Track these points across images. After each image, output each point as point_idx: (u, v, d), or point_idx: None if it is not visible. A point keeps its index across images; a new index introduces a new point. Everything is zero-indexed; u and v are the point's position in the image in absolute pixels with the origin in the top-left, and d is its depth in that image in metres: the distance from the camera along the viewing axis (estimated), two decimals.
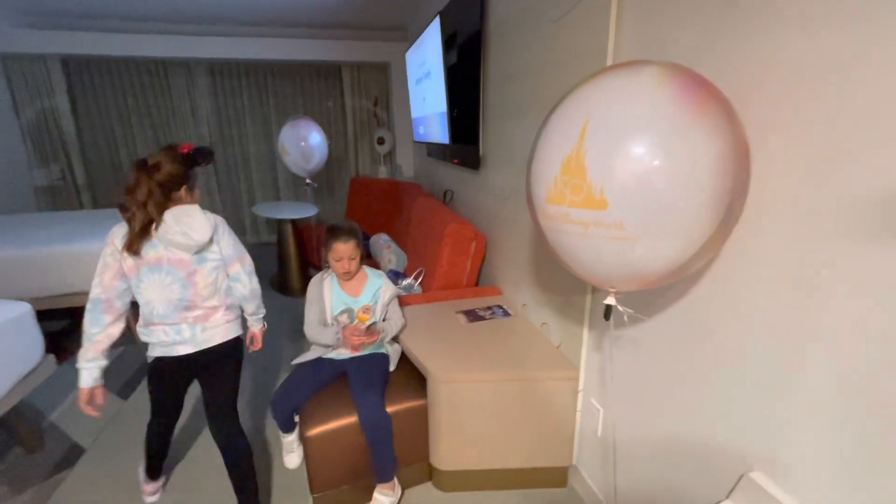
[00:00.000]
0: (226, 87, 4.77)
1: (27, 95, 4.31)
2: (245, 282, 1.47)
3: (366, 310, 1.71)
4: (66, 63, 4.33)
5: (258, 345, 1.68)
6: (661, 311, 1.13)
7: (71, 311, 3.17)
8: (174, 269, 1.34)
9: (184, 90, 4.67)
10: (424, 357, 1.63)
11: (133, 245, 1.28)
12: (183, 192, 1.37)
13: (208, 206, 4.98)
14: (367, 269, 1.77)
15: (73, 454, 1.91)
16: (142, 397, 2.29)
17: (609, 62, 1.24)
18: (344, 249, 1.65)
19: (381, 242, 3.14)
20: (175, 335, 1.38)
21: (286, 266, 3.77)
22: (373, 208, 4.23)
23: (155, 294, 1.34)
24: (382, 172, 4.95)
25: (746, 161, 0.74)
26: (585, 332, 1.48)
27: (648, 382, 1.22)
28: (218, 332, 1.43)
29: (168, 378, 1.47)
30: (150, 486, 1.66)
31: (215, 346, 1.43)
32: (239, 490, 1.46)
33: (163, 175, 1.30)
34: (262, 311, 1.62)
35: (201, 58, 4.38)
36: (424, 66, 2.72)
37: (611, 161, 0.72)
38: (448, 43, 2.31)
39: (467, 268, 2.27)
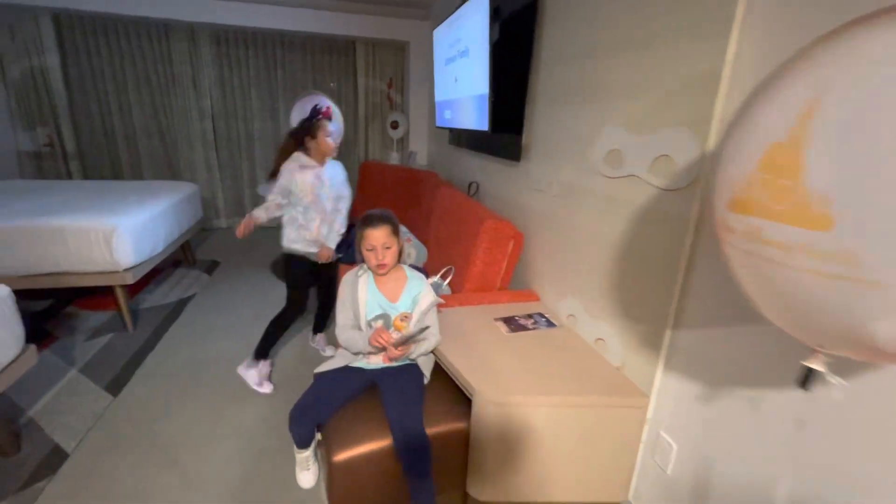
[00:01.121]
0: (231, 56, 4.45)
1: (13, 51, 3.96)
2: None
3: (404, 318, 1.50)
4: (57, 19, 3.98)
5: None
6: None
7: (55, 291, 2.92)
8: None
9: (186, 57, 4.35)
10: (468, 373, 1.42)
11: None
12: (307, 140, 2.07)
13: (207, 181, 4.69)
14: (406, 270, 1.55)
15: (54, 459, 1.68)
16: (133, 394, 2.05)
17: (734, 35, 1.03)
18: (377, 236, 1.44)
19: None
20: None
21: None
22: (385, 196, 3.98)
23: None
24: (394, 158, 4.69)
25: None
26: (662, 356, 1.29)
27: (772, 427, 1.03)
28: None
29: None
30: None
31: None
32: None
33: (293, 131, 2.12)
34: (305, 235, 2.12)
35: (206, 23, 4.06)
36: (460, 44, 2.47)
37: (854, 156, 0.47)
38: (493, 17, 2.06)
39: (503, 269, 2.06)
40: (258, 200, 4.97)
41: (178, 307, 2.95)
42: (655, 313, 1.30)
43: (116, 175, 4.49)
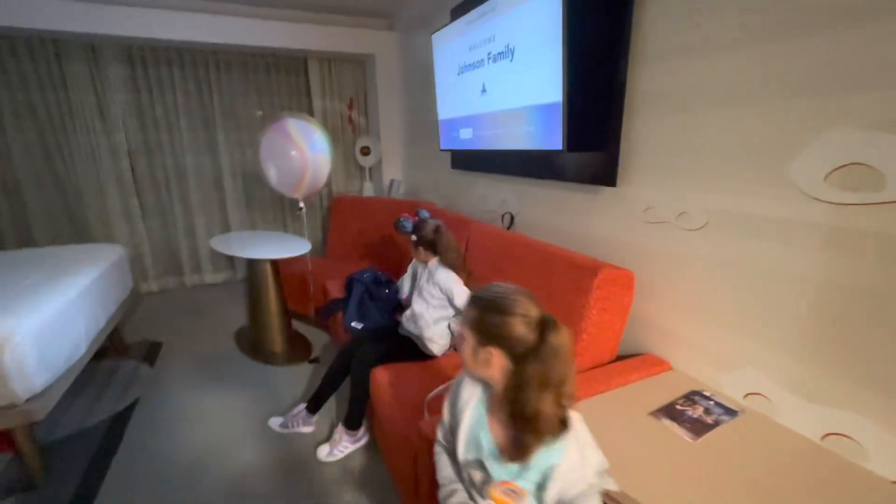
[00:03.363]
0: (150, 79, 3.55)
1: None
2: None
3: (508, 492, 0.83)
4: None
5: None
6: None
7: None
8: None
9: (86, 83, 3.38)
10: None
11: None
12: None
13: (127, 233, 3.67)
14: None
15: None
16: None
17: None
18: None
19: None
20: None
21: (263, 321, 2.73)
22: (371, 237, 3.31)
23: None
24: (368, 189, 4.03)
25: None
26: None
27: None
28: None
29: None
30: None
31: None
32: None
33: None
34: None
35: (113, 36, 3.16)
36: (493, 44, 1.96)
37: None
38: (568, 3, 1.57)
39: (618, 332, 1.53)
40: (199, 255, 4.02)
41: (115, 429, 2.04)
42: None
43: None
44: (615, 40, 1.52)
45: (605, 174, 1.64)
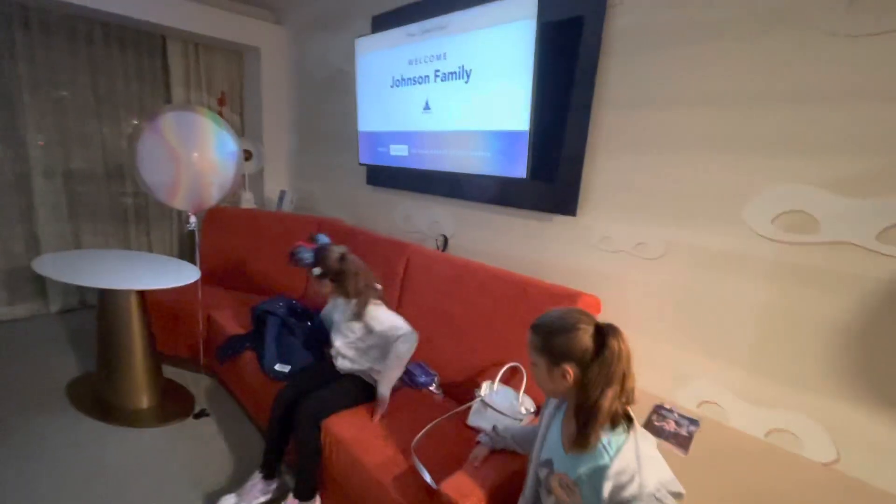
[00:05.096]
0: None
1: None
2: None
3: (564, 485, 0.92)
4: None
5: None
6: None
7: None
8: None
9: None
10: None
11: None
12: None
13: None
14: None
15: None
16: None
17: None
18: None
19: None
20: None
21: (121, 369, 2.08)
22: (263, 259, 2.84)
23: None
24: (247, 201, 3.46)
25: None
26: None
27: None
28: None
29: None
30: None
31: None
32: None
33: None
34: None
35: None
36: (445, 62, 1.88)
37: None
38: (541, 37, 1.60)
39: None
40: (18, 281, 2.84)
41: None
42: None
43: None
44: (580, 82, 1.61)
45: (565, 204, 1.72)
